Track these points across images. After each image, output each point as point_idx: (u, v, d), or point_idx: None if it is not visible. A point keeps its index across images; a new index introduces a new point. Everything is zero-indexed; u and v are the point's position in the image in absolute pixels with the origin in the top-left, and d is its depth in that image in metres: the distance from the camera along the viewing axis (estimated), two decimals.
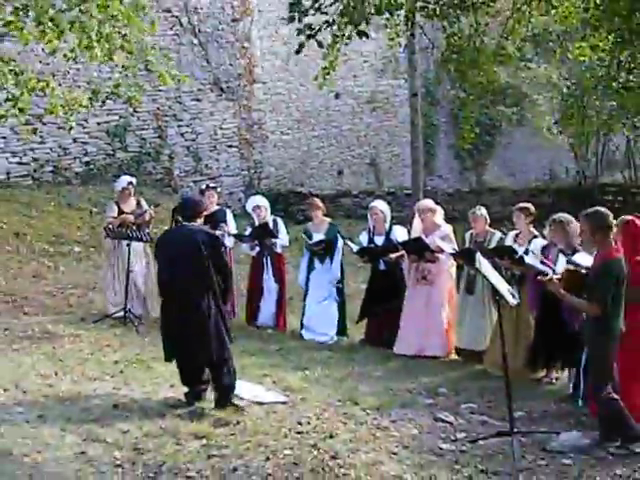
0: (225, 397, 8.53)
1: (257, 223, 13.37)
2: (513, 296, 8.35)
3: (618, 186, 26.92)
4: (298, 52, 15.05)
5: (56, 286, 15.17)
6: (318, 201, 13.37)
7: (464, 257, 10.77)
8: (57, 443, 7.31)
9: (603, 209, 7.94)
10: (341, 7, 14.21)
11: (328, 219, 13.33)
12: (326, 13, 14.48)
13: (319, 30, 14.61)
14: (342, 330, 13.02)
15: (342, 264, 13.15)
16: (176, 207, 9.06)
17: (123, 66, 13.54)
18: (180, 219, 8.76)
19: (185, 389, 8.76)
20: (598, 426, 8.08)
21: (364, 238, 12.76)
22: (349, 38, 15.14)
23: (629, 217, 8.50)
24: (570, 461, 7.55)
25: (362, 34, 14.06)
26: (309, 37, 14.54)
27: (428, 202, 12.33)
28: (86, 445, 7.30)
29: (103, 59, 12.71)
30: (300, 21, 14.42)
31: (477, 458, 7.56)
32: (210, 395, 8.77)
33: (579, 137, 25.45)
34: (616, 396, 7.75)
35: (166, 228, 18.36)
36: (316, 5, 14.30)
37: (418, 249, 11.77)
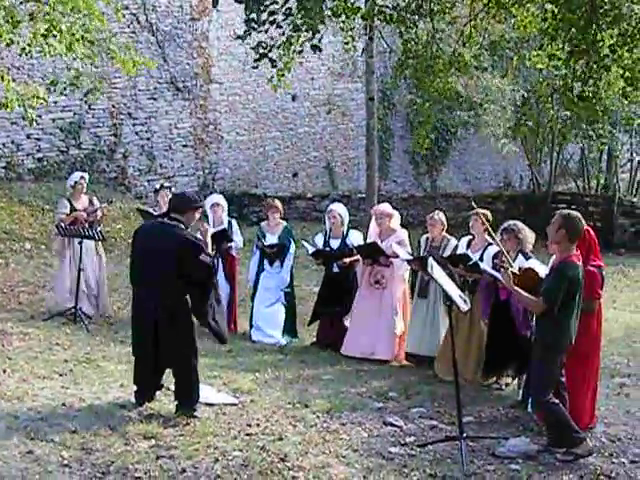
0: (189, 408, 8.35)
1: (213, 223, 13.30)
2: (465, 302, 8.39)
3: (571, 195, 27.23)
4: (255, 67, 15.11)
5: (6, 283, 15.03)
6: (278, 203, 13.34)
7: (419, 264, 10.83)
8: (3, 442, 7.23)
9: (577, 215, 8.01)
10: (298, 7, 14.21)
11: (284, 222, 13.32)
12: (281, 26, 14.50)
13: (272, 49, 14.67)
14: (291, 332, 13.03)
15: (292, 268, 13.18)
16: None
17: (83, 54, 13.41)
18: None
19: (134, 388, 8.69)
20: (546, 432, 8.16)
21: (320, 240, 12.77)
22: (300, 52, 15.18)
23: (585, 226, 8.55)
24: (518, 466, 7.61)
25: (315, 48, 14.11)
26: (262, 56, 14.59)
27: (386, 207, 12.32)
28: (33, 444, 7.23)
29: (62, 51, 12.59)
30: (256, 29, 14.44)
31: (426, 462, 7.59)
32: (160, 396, 8.72)
33: (532, 144, 25.67)
34: (556, 400, 7.81)
35: (118, 227, 18.40)
36: (271, 19, 14.30)
37: (373, 253, 11.79)
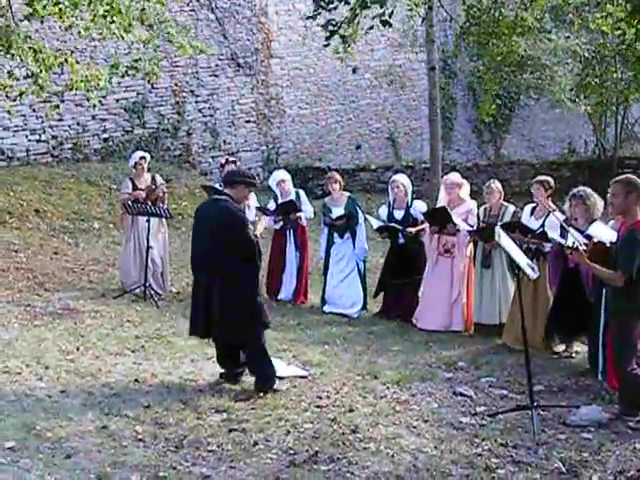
0: (266, 385, 8.41)
1: (281, 197, 13.36)
2: (533, 269, 8.33)
3: (637, 159, 26.75)
4: (326, 45, 15.01)
5: (76, 262, 15.24)
6: (336, 175, 13.30)
7: (481, 234, 10.89)
8: (79, 418, 7.37)
9: (635, 177, 7.91)
10: None
11: (347, 193, 13.28)
12: (349, 2, 14.36)
13: (341, 25, 14.56)
14: (363, 304, 13.03)
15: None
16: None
17: (142, 41, 13.52)
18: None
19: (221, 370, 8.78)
20: (618, 400, 8.09)
21: (384, 212, 12.75)
22: (371, 28, 15.07)
23: None
24: (590, 435, 7.53)
25: (386, 23, 13.93)
26: (332, 33, 14.47)
27: (456, 176, 12.25)
28: (108, 420, 7.36)
29: (120, 33, 12.69)
30: (325, 7, 14.31)
31: (497, 432, 7.56)
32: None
33: (597, 106, 25.22)
34: None
35: (185, 204, 18.54)
36: None
37: (442, 219, 11.72)
